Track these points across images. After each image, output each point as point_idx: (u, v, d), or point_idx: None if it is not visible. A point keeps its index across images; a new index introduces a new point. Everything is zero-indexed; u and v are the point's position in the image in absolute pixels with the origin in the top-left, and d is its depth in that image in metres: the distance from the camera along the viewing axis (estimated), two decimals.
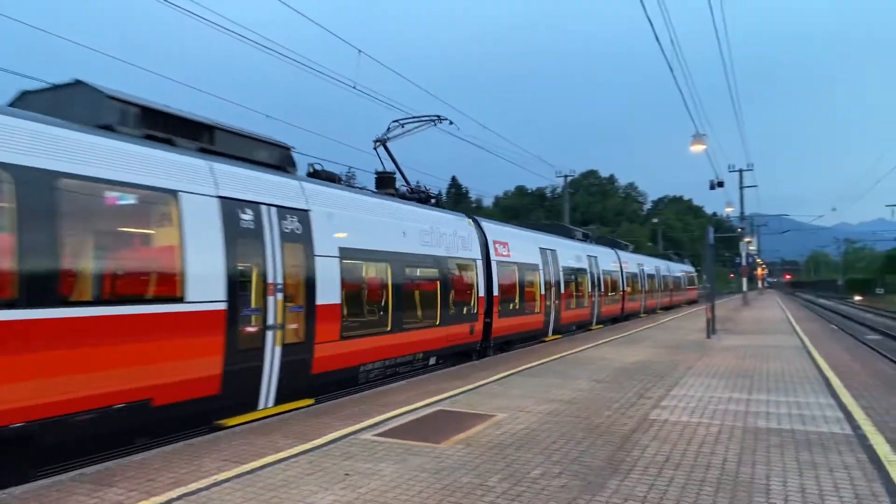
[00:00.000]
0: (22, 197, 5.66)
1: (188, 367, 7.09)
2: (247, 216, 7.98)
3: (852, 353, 14.54)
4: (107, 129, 6.98)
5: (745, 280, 49.11)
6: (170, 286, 7.01)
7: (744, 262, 46.44)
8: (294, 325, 8.57)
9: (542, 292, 17.99)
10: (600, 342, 16.63)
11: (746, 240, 46.36)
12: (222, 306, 7.43)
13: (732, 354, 13.86)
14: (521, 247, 17.07)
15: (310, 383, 8.92)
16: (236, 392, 7.69)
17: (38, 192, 5.81)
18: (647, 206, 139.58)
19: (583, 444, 6.25)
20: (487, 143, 24.53)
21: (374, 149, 14.31)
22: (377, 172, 13.94)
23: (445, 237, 13.16)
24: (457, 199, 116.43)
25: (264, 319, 8.03)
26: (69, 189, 6.10)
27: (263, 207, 8.27)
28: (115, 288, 6.64)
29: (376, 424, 7.15)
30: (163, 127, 7.77)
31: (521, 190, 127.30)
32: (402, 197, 13.39)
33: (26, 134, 5.90)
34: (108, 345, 6.24)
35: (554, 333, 19.01)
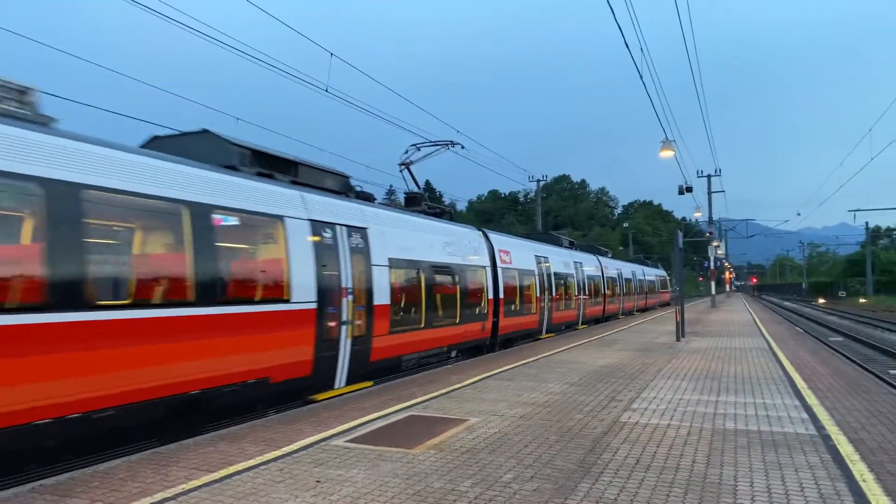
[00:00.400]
0: (198, 228, 7.62)
1: (292, 353, 8.99)
2: (327, 234, 9.92)
3: (816, 355, 14.90)
4: (232, 168, 8.81)
5: (713, 283, 49.98)
6: (281, 290, 8.86)
7: (712, 266, 47.27)
8: (359, 322, 10.40)
9: (538, 295, 19.94)
10: (573, 345, 16.76)
11: (714, 244, 47.22)
12: (314, 306, 9.32)
13: (701, 357, 14.09)
14: (519, 255, 19.06)
15: (368, 369, 10.81)
16: (321, 374, 9.59)
17: (207, 222, 7.80)
18: (618, 210, 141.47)
19: (555, 447, 6.28)
20: (461, 147, 24.51)
21: (400, 171, 16.97)
22: (406, 193, 16.66)
23: (462, 247, 15.04)
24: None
25: (340, 317, 9.88)
26: (224, 218, 8.11)
27: (338, 227, 10.19)
28: (249, 292, 8.51)
29: (348, 430, 7.09)
30: (267, 165, 9.68)
31: (494, 194, 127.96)
32: (423, 212, 15.14)
33: (207, 181, 8.01)
34: (249, 334, 8.17)
35: (547, 332, 20.81)
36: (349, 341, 10.12)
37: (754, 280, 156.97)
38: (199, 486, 5.17)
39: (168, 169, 7.53)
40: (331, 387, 9.94)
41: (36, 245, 6.00)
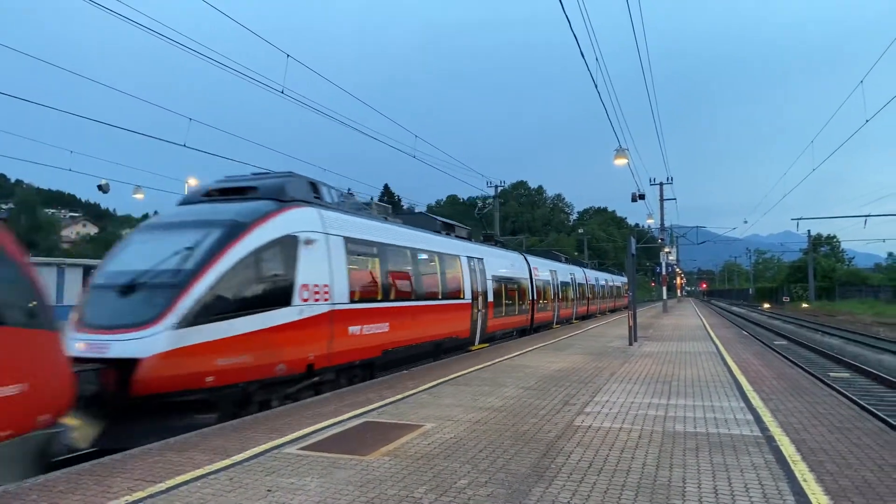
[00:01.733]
0: (443, 263, 16.39)
1: (464, 325, 17.31)
2: (473, 263, 18.51)
3: (762, 358, 15.39)
4: (437, 232, 17.42)
5: (664, 289, 51.20)
6: (460, 294, 17.14)
7: (663, 272, 48.44)
8: (483, 311, 18.71)
9: (551, 297, 29.24)
10: (529, 349, 16.91)
11: (666, 250, 48.38)
12: (470, 301, 17.66)
13: (653, 360, 14.39)
14: (542, 269, 28.07)
15: (485, 337, 19.21)
16: (471, 336, 17.92)
17: (445, 260, 16.54)
18: (574, 216, 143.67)
19: (509, 451, 6.30)
20: (419, 151, 24.53)
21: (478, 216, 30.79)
22: (485, 233, 26.80)
23: (517, 266, 24.10)
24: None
25: (477, 307, 18.20)
26: (449, 257, 16.82)
27: (475, 259, 18.89)
28: (454, 295, 16.73)
29: (301, 437, 6.98)
30: (447, 227, 18.99)
31: (453, 199, 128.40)
32: (495, 243, 25.19)
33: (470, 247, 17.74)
34: (444, 314, 16.04)
35: (556, 323, 30.31)
36: (480, 320, 18.52)
37: (704, 285, 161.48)
38: (144, 498, 5.00)
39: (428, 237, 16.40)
40: (473, 343, 18.25)
41: (402, 273, 14.21)
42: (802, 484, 5.22)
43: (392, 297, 13.40)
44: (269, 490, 5.17)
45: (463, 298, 17.31)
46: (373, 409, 8.56)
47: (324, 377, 10.93)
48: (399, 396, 9.58)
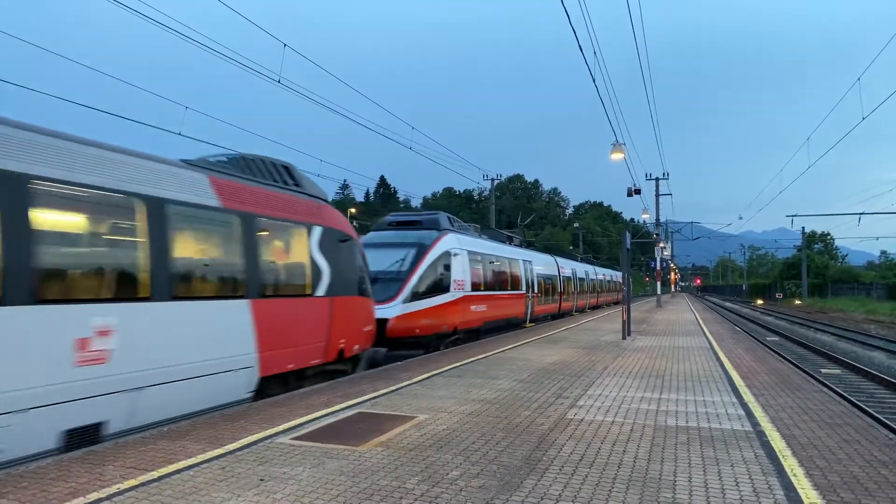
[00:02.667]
0: (525, 267, 25.95)
1: (521, 309, 24.28)
2: (525, 265, 25.39)
3: (754, 354, 15.47)
4: (504, 242, 26.59)
5: (658, 284, 51.36)
6: (519, 285, 24.27)
7: (658, 267, 48.55)
8: (531, 299, 25.81)
9: (572, 290, 36.23)
10: (522, 342, 16.95)
11: (661, 245, 48.50)
12: (524, 292, 24.88)
13: (646, 355, 14.45)
14: (566, 268, 35.13)
15: (534, 318, 26.13)
16: (524, 318, 24.70)
17: (518, 263, 24.87)
18: (570, 210, 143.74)
19: (502, 444, 6.33)
20: (416, 143, 24.50)
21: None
22: (526, 240, 32.64)
23: (549, 265, 31.04)
24: (385, 199, 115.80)
25: (528, 297, 25.38)
26: (517, 261, 24.69)
27: (527, 261, 26.08)
28: (508, 286, 22.65)
29: (294, 427, 6.98)
30: (507, 238, 27.57)
31: (449, 192, 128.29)
32: (529, 245, 33.13)
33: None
34: (512, 301, 23.25)
35: (575, 311, 36.90)
36: (530, 306, 25.47)
37: (698, 281, 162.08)
38: (136, 486, 5.00)
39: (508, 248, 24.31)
40: (525, 322, 24.81)
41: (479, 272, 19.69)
42: (792, 479, 5.25)
43: (488, 288, 20.46)
44: (261, 479, 5.18)
45: (520, 290, 24.71)
46: (366, 400, 8.57)
47: (459, 336, 17.95)
48: (392, 388, 9.60)
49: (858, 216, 48.40)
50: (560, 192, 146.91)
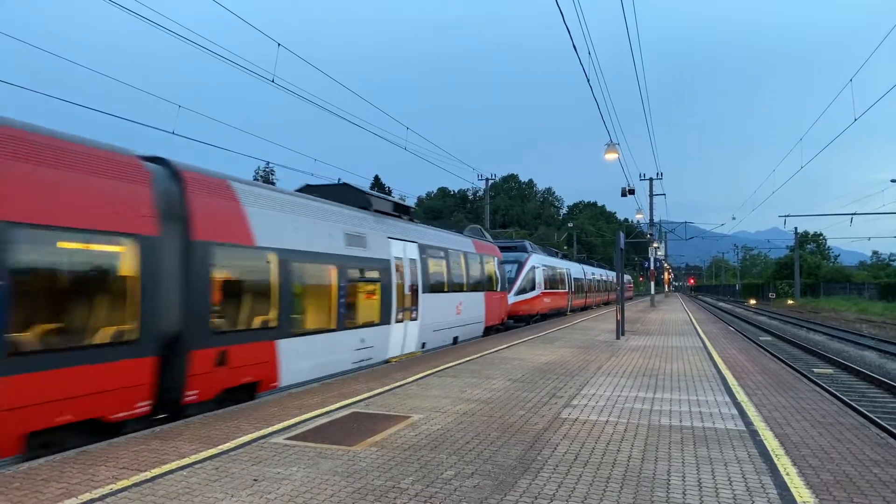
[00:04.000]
0: (568, 272, 37.92)
1: (564, 302, 34.82)
2: (568, 270, 36.70)
3: (747, 354, 15.53)
4: (556, 255, 40.24)
5: (652, 283, 51.50)
6: (565, 285, 35.01)
7: (652, 267, 48.70)
8: (571, 296, 36.48)
9: (593, 289, 45.29)
10: (517, 342, 16.97)
11: (654, 245, 48.63)
12: (567, 290, 35.25)
13: (640, 354, 14.49)
14: (588, 272, 43.65)
15: (571, 309, 37.04)
16: (566, 308, 35.28)
17: (568, 270, 38.07)
18: (564, 210, 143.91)
19: (496, 443, 6.33)
20: (410, 143, 24.48)
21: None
22: (565, 252, 49.83)
23: (578, 271, 40.26)
24: None
25: (569, 294, 36.07)
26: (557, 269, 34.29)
27: (570, 268, 37.40)
28: (559, 287, 33.12)
29: (288, 427, 6.97)
30: (558, 247, 57.81)
31: (443, 191, 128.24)
32: (564, 256, 42.94)
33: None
34: (562, 297, 33.87)
35: (584, 308, 42.72)
36: (570, 301, 36.13)
37: (692, 281, 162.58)
38: (129, 487, 4.97)
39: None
40: (566, 313, 34.94)
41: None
42: (785, 478, 5.28)
43: (551, 288, 30.69)
44: (255, 479, 5.16)
45: (565, 289, 34.85)
46: (360, 400, 8.56)
47: (537, 317, 28.60)
48: (387, 388, 9.59)
49: (850, 216, 48.68)
50: (554, 192, 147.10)
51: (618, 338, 18.68)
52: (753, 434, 6.83)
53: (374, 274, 12.66)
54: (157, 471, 5.39)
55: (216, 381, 8.37)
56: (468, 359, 13.22)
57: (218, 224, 8.55)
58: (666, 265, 77.21)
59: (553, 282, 31.55)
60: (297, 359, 9.94)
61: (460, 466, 5.53)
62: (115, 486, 4.97)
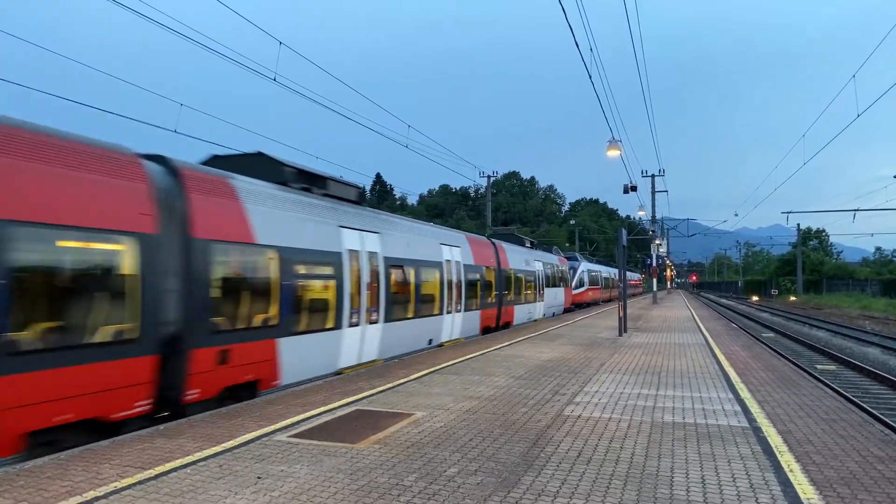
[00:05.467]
0: (597, 272, 50.45)
1: (598, 296, 47.24)
2: (600, 274, 50.30)
3: (750, 350, 15.52)
4: (584, 258, 50.23)
5: (654, 280, 51.46)
6: (599, 284, 48.05)
7: (654, 264, 48.65)
8: (600, 291, 48.94)
9: (610, 286, 52.53)
10: (519, 339, 16.97)
11: (657, 242, 48.59)
12: (599, 286, 48.05)
13: (642, 351, 14.48)
14: (603, 271, 51.61)
15: (601, 300, 48.52)
16: (598, 301, 46.94)
17: (595, 269, 50.78)
18: (566, 207, 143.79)
19: (499, 440, 6.33)
20: (412, 141, 24.46)
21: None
22: (566, 254, 43.34)
23: (603, 271, 51.07)
24: (381, 197, 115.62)
25: (601, 290, 48.68)
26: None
27: (597, 268, 50.20)
28: (596, 285, 47.14)
29: (292, 425, 6.98)
30: (585, 251, 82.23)
31: (445, 189, 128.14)
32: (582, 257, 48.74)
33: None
34: (595, 292, 45.65)
35: (606, 301, 49.57)
36: (601, 296, 47.77)
37: (694, 278, 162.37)
38: (133, 484, 4.99)
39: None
40: (598, 303, 46.20)
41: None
42: (788, 474, 5.27)
43: (591, 286, 44.00)
44: (258, 477, 5.17)
45: (599, 286, 45.74)
46: (363, 398, 8.57)
47: (582, 306, 41.42)
48: (389, 385, 9.60)
49: (853, 213, 48.53)
50: (556, 190, 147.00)
51: (620, 335, 18.67)
52: (757, 431, 6.82)
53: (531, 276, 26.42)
54: (160, 469, 5.40)
55: (218, 379, 8.37)
56: (470, 356, 13.23)
57: (217, 222, 8.52)
58: (668, 262, 77.21)
59: (593, 281, 45.50)
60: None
61: (463, 464, 5.54)
62: (119, 484, 4.99)
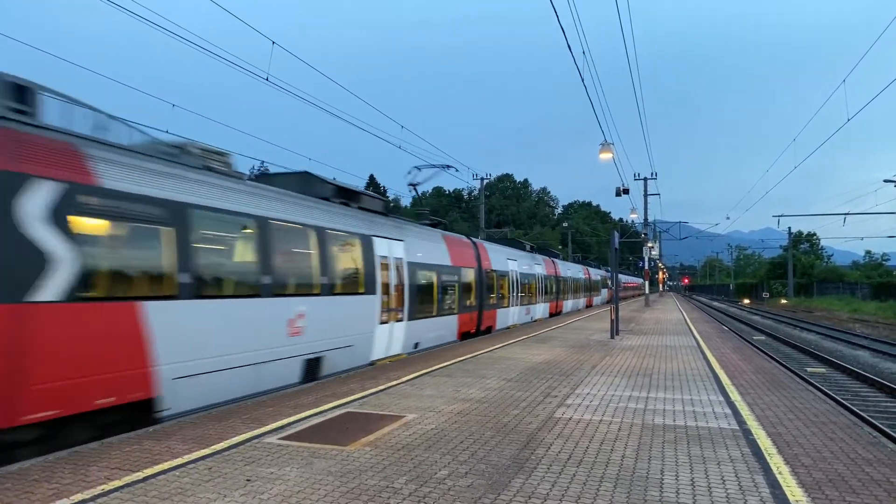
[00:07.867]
0: (599, 278, 58.36)
1: (596, 299, 52.92)
2: (599, 276, 57.12)
3: (740, 353, 15.59)
4: (594, 265, 62.08)
5: (646, 283, 51.64)
6: (597, 287, 53.65)
7: (646, 266, 48.82)
8: (602, 295, 55.98)
9: (610, 289, 47.67)
10: (511, 342, 16.98)
11: (649, 245, 48.75)
12: (611, 289, 29.96)
13: (634, 354, 14.52)
14: (619, 278, 46.73)
15: (599, 304, 54.29)
16: (593, 304, 50.54)
17: (599, 275, 58.89)
18: (559, 210, 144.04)
19: (490, 443, 6.33)
20: (405, 142, 24.47)
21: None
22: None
23: (596, 273, 55.88)
24: None
25: (599, 293, 55.28)
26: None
27: (600, 273, 57.52)
28: (602, 289, 58.11)
29: (282, 427, 6.95)
30: (593, 259, 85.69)
31: (438, 191, 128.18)
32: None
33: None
34: (608, 294, 54.12)
35: (604, 303, 54.50)
36: (599, 297, 53.67)
37: (686, 280, 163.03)
38: (121, 487, 4.95)
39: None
40: (592, 306, 48.96)
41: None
42: (777, 476, 5.29)
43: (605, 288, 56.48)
44: (248, 479, 5.14)
45: (610, 288, 45.69)
46: (354, 400, 8.55)
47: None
48: (381, 387, 9.58)
49: (844, 216, 48.89)
50: (549, 192, 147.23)
51: (612, 337, 18.72)
52: (746, 433, 6.85)
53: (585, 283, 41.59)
54: (149, 471, 5.36)
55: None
56: (462, 358, 13.22)
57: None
58: (660, 265, 77.48)
59: (608, 286, 54.82)
60: None
61: (454, 466, 5.53)
62: (106, 487, 4.95)
